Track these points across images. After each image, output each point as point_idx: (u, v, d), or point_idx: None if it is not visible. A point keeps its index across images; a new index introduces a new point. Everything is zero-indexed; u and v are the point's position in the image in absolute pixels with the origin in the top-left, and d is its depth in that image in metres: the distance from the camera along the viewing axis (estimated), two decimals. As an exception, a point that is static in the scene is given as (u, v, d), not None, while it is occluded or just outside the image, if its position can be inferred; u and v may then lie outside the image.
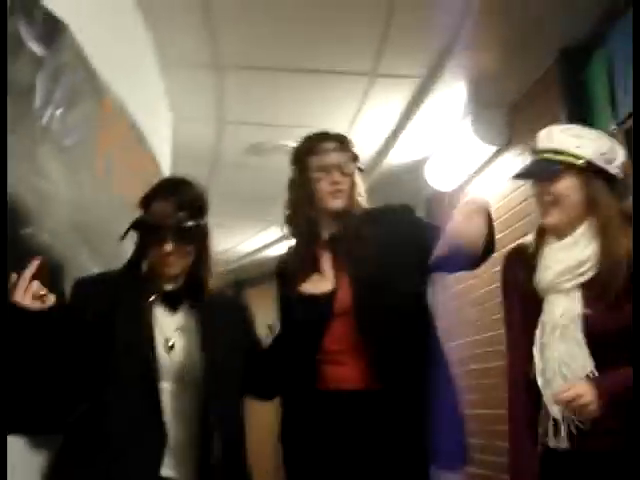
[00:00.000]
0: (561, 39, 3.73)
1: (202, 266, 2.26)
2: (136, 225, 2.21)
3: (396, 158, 5.37)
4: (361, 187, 2.58)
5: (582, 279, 2.19)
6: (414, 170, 5.36)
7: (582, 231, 2.23)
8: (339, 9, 3.61)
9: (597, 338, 2.12)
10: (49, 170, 2.22)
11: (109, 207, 2.81)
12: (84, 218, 2.52)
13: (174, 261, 2.18)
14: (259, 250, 8.61)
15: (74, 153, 2.44)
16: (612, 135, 3.09)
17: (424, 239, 2.35)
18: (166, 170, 4.89)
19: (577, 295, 2.19)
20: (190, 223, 2.18)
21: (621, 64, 3.24)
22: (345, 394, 2.37)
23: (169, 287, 2.23)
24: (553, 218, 2.25)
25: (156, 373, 2.10)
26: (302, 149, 2.57)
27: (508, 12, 3.56)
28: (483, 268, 2.37)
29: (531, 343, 2.25)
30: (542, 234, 2.33)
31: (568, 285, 2.20)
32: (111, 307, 2.11)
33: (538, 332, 2.23)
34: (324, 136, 2.57)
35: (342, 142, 2.56)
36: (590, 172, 2.22)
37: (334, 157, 2.51)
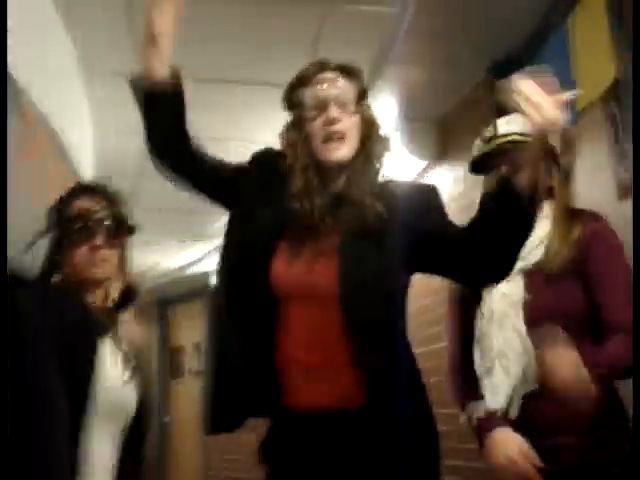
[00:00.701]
0: (492, 52, 3.71)
1: (125, 272, 2.11)
2: (60, 223, 2.04)
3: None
4: (377, 134, 1.99)
5: (522, 264, 2.11)
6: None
7: None
8: (268, 24, 3.54)
9: (538, 325, 2.04)
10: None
11: (27, 222, 2.66)
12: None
13: (103, 259, 2.02)
14: (185, 266, 8.45)
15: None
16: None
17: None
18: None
19: (518, 280, 2.14)
20: (119, 217, 2.08)
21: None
22: (322, 417, 1.82)
23: (94, 302, 2.04)
24: None
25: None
26: (294, 81, 2.00)
27: (438, 26, 3.54)
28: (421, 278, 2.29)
29: (470, 335, 2.22)
30: None
31: None
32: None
33: (478, 322, 2.19)
34: (322, 64, 1.99)
35: (347, 72, 1.98)
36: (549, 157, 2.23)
37: (332, 88, 1.91)
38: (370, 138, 1.97)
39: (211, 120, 4.49)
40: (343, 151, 1.91)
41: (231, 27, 3.58)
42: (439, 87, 4.13)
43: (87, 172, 4.73)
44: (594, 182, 2.81)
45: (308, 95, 1.93)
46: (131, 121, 4.53)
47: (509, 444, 2.05)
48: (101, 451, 1.89)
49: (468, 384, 2.24)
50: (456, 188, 4.13)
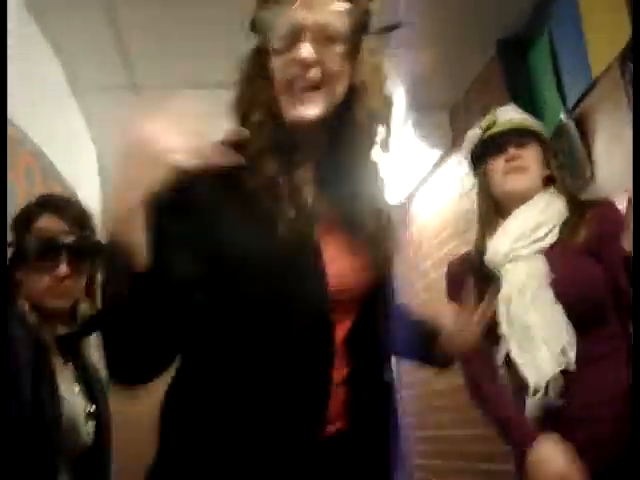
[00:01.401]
0: (499, 30, 3.52)
1: (95, 297, 1.86)
2: (18, 246, 1.76)
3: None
4: (376, 87, 1.39)
5: (540, 244, 2.11)
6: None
7: (538, 197, 2.17)
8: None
9: (570, 302, 1.99)
10: None
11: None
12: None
13: (67, 290, 1.77)
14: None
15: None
16: (563, 126, 2.90)
17: None
18: (94, 202, 4.60)
19: (540, 259, 2.09)
20: (85, 238, 1.81)
21: (564, 48, 3.03)
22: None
23: (62, 329, 1.81)
24: (520, 183, 2.17)
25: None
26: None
27: (440, 7, 3.35)
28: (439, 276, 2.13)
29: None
30: (488, 224, 2.24)
31: (525, 252, 2.11)
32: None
33: (501, 308, 2.07)
34: None
35: None
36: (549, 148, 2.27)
37: (312, 11, 1.30)
38: (364, 92, 1.38)
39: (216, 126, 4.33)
40: (316, 106, 1.32)
41: (218, 30, 3.42)
42: (447, 72, 3.91)
43: (93, 194, 4.60)
44: (614, 150, 2.61)
45: (277, 17, 1.31)
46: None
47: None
48: None
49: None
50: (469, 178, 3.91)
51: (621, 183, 2.54)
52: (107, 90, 3.90)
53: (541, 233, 2.11)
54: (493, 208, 2.23)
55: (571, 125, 2.86)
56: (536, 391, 1.98)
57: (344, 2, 1.33)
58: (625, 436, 1.83)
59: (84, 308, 1.85)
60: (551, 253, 2.09)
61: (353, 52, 1.35)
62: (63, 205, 1.86)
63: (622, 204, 2.49)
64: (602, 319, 1.99)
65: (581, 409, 1.94)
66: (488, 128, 2.26)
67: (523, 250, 2.11)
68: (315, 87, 1.31)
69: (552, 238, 2.11)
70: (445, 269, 2.33)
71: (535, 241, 2.11)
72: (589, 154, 2.78)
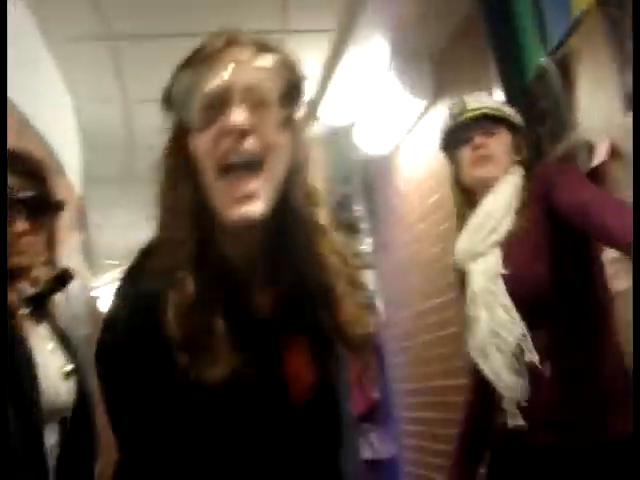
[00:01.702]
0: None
1: (55, 255, 1.82)
2: None
3: (320, 124, 4.92)
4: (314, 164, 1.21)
5: (495, 236, 2.03)
6: (342, 135, 4.97)
7: (499, 186, 2.10)
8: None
9: (521, 299, 1.93)
10: None
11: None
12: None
13: (26, 247, 1.70)
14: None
15: None
16: (544, 69, 2.85)
17: None
18: (74, 160, 4.53)
19: (495, 254, 2.01)
20: (42, 193, 1.75)
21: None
22: None
23: (29, 290, 1.76)
24: (486, 171, 2.12)
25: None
26: (180, 64, 1.16)
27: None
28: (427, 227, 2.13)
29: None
30: (462, 218, 2.18)
31: (482, 246, 2.04)
32: None
33: (466, 309, 2.06)
34: (230, 36, 1.16)
35: (271, 52, 1.16)
36: (521, 135, 2.21)
37: (241, 73, 1.12)
38: (302, 172, 1.18)
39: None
40: (259, 200, 1.10)
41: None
42: (428, 19, 3.82)
43: (72, 148, 4.53)
44: (597, 95, 2.56)
45: (198, 83, 1.11)
46: (107, 87, 4.37)
47: None
48: None
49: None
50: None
51: (603, 127, 2.49)
52: (82, 40, 3.81)
53: (494, 224, 2.03)
54: (466, 200, 2.18)
55: (552, 68, 2.80)
56: (503, 397, 1.97)
57: (270, 56, 1.15)
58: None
59: (46, 264, 1.80)
60: (509, 245, 2.02)
61: (288, 122, 1.15)
62: (16, 160, 1.77)
63: (603, 149, 2.44)
64: (544, 318, 1.93)
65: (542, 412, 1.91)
66: (458, 115, 2.20)
67: (481, 245, 2.05)
68: (253, 166, 1.09)
69: (506, 227, 2.04)
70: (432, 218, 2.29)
71: (490, 233, 2.04)
72: (570, 98, 2.72)
